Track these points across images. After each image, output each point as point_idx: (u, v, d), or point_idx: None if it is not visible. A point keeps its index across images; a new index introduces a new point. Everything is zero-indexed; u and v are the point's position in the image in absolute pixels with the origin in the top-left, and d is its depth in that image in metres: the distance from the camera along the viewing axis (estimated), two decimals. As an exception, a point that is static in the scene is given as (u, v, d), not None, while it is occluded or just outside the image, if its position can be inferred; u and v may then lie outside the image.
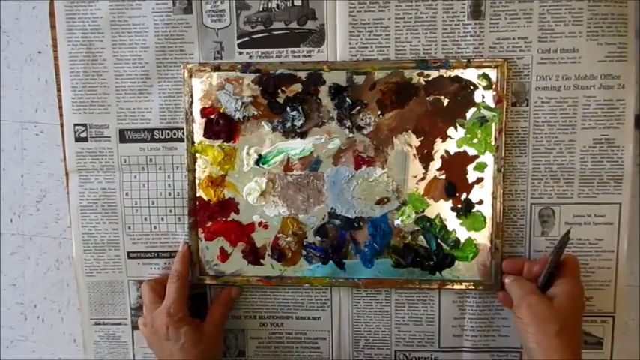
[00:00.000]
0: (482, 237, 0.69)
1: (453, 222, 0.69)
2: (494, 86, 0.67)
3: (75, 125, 0.72)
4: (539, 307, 0.61)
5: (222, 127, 0.70)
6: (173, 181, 0.72)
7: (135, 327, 0.74)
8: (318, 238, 0.71)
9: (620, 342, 0.71)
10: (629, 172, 0.67)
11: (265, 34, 0.69)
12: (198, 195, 0.71)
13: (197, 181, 0.71)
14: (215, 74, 0.69)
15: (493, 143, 0.67)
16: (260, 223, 0.71)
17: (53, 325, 0.82)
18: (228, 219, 0.71)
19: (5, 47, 0.78)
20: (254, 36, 0.69)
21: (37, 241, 0.81)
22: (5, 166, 0.80)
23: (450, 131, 0.68)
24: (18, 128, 0.79)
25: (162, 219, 0.72)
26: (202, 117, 0.70)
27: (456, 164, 0.69)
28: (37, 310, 0.83)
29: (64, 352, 0.83)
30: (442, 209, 0.69)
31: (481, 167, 0.68)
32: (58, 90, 0.71)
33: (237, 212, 0.71)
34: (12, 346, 0.84)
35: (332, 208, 0.70)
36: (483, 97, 0.67)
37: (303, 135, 0.70)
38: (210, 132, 0.70)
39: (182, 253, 0.71)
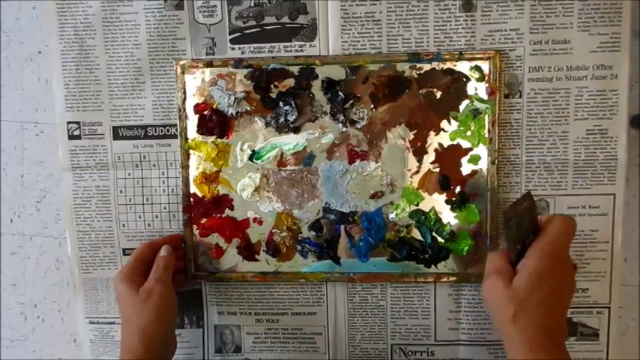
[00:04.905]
0: (477, 229, 0.64)
1: (447, 215, 0.65)
2: (486, 78, 0.63)
3: (68, 123, 0.68)
4: (497, 287, 0.50)
5: (215, 123, 0.65)
6: (167, 177, 0.67)
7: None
8: (313, 233, 0.66)
9: (616, 333, 0.66)
10: (623, 163, 0.63)
11: (257, 29, 0.64)
12: (192, 191, 0.67)
13: (191, 178, 0.66)
14: (208, 70, 0.65)
15: (486, 135, 0.63)
16: (255, 219, 0.67)
17: (53, 325, 0.78)
18: (223, 215, 0.67)
19: (5, 47, 0.74)
20: (246, 31, 0.65)
21: (37, 241, 0.76)
22: (5, 166, 0.76)
23: (444, 124, 0.64)
24: (18, 128, 0.75)
25: (156, 216, 0.68)
26: (195, 113, 0.66)
27: (449, 157, 0.64)
28: (37, 310, 0.78)
29: (64, 352, 0.78)
30: (436, 202, 0.64)
31: (475, 160, 0.64)
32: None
33: (231, 208, 0.66)
34: (12, 346, 0.79)
35: (326, 203, 0.66)
36: (476, 89, 0.63)
37: (296, 130, 0.65)
38: (203, 128, 0.66)
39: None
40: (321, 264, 0.66)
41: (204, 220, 0.67)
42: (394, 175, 0.64)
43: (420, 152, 0.64)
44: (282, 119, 0.64)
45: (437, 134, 0.63)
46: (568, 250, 0.52)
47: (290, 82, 0.64)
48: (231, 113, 0.65)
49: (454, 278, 0.65)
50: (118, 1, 0.65)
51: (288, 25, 0.64)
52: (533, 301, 0.49)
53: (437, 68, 0.63)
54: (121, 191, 0.68)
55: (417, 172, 0.64)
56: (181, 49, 0.65)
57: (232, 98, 0.64)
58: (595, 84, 0.62)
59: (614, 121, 0.62)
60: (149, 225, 0.68)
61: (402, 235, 0.65)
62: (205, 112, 0.65)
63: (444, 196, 0.64)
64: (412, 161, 0.64)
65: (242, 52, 0.65)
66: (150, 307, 0.58)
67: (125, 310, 0.59)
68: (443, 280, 0.65)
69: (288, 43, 0.64)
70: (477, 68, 0.62)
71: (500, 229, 0.59)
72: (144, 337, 0.57)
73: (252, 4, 0.64)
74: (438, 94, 0.63)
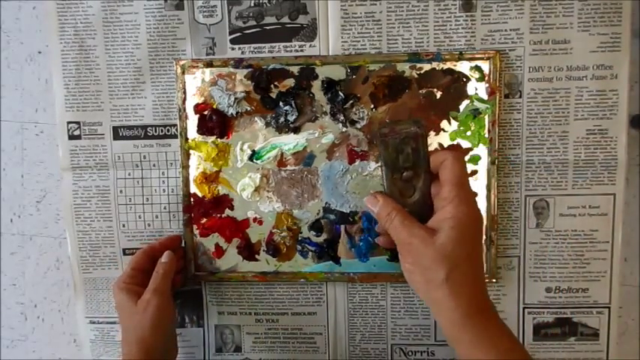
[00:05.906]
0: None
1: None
2: (486, 78, 0.62)
3: (68, 123, 0.67)
4: (417, 252, 0.46)
5: (215, 123, 0.64)
6: (167, 177, 0.67)
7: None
8: (313, 233, 0.66)
9: (616, 333, 0.65)
10: (623, 163, 0.63)
11: (257, 30, 0.64)
12: (192, 191, 0.66)
13: (191, 178, 0.66)
14: (208, 70, 0.64)
15: (487, 135, 0.63)
16: (255, 219, 0.66)
17: (53, 325, 0.77)
18: (223, 215, 0.66)
19: (5, 47, 0.73)
20: (246, 31, 0.64)
21: (37, 241, 0.76)
22: (5, 166, 0.75)
23: (444, 124, 0.63)
24: (18, 128, 0.74)
25: (156, 216, 0.67)
26: (196, 113, 0.65)
27: (449, 157, 0.63)
28: (37, 310, 0.77)
29: (64, 352, 0.77)
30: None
31: (475, 160, 0.63)
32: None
33: (231, 208, 0.66)
34: (12, 346, 0.78)
35: (326, 203, 0.65)
36: (476, 89, 0.62)
37: (296, 130, 0.64)
38: (203, 128, 0.65)
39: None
40: (321, 264, 0.66)
41: (204, 220, 0.66)
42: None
43: (420, 152, 0.63)
44: (282, 119, 0.64)
45: (437, 134, 0.63)
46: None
47: (290, 82, 0.63)
48: (231, 113, 0.64)
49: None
50: (118, 1, 0.64)
51: (288, 25, 0.63)
52: (463, 258, 0.45)
53: (437, 68, 0.62)
54: (121, 191, 0.67)
55: (417, 172, 0.64)
56: (181, 49, 0.64)
57: (232, 98, 0.64)
58: (595, 84, 0.61)
59: (614, 121, 0.62)
60: (149, 225, 0.67)
61: (402, 235, 0.64)
62: (205, 112, 0.64)
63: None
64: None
65: (242, 52, 0.64)
66: (147, 318, 0.57)
67: (124, 320, 0.59)
68: (443, 280, 0.64)
69: (288, 43, 0.63)
70: (477, 68, 0.62)
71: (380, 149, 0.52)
72: (142, 346, 0.57)
73: (252, 4, 0.63)
74: (438, 94, 0.63)
